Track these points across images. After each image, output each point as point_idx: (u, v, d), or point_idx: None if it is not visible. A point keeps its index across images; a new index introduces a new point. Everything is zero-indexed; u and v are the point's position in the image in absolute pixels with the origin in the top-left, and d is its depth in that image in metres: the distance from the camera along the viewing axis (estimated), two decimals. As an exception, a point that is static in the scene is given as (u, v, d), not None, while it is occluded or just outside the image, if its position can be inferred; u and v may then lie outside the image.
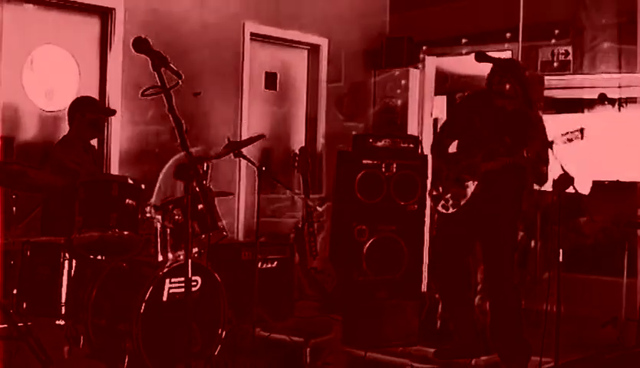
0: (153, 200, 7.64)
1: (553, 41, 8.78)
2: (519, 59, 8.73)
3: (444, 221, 6.40)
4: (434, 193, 6.34)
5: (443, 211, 6.23)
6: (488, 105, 6.17)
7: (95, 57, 7.68)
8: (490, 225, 6.14)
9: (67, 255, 5.61)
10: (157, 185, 7.76)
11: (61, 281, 5.59)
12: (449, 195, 6.18)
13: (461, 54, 9.27)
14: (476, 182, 6.08)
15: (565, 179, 5.36)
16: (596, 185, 7.56)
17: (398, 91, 9.51)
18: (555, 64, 8.72)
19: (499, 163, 6.01)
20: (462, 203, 6.11)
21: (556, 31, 8.77)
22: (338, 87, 9.57)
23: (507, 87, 6.01)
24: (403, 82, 9.48)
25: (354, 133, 9.22)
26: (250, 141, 7.44)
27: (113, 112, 7.18)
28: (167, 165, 7.83)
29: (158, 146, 7.86)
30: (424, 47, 9.62)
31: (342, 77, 9.59)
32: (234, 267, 6.93)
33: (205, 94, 8.01)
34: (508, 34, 9.02)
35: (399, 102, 9.50)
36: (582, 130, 5.82)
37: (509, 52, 8.73)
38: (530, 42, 8.86)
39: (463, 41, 9.39)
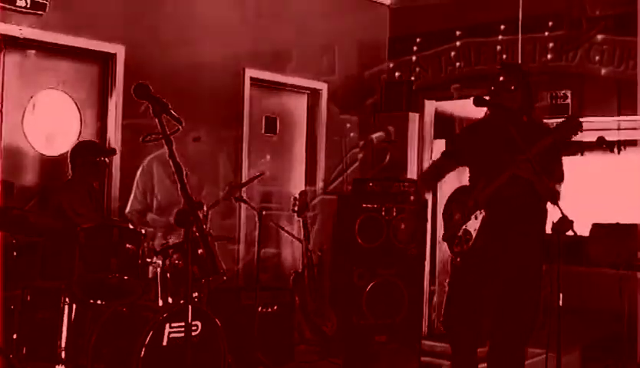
0: (128, 208, 7.62)
1: (547, 33, 8.78)
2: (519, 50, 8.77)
3: (459, 265, 5.89)
4: (446, 235, 5.89)
5: (457, 250, 5.88)
6: (492, 124, 5.82)
7: (96, 102, 7.71)
8: (509, 267, 5.59)
9: (67, 300, 5.61)
10: (133, 188, 7.71)
11: (60, 326, 5.59)
12: (460, 233, 5.74)
13: (459, 98, 9.32)
14: (482, 213, 5.61)
15: (565, 222, 5.32)
16: (596, 227, 7.56)
17: (397, 135, 9.53)
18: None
19: (498, 182, 5.52)
20: (473, 240, 5.62)
21: (550, 23, 8.77)
22: (338, 128, 9.60)
23: (511, 87, 5.70)
24: (402, 126, 9.50)
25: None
26: (249, 181, 7.50)
27: (114, 151, 7.20)
28: (144, 163, 7.77)
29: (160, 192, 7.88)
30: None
31: (342, 119, 9.63)
32: (234, 311, 6.92)
33: (205, 139, 8.04)
34: (502, 27, 9.06)
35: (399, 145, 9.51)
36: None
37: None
38: (524, 35, 8.88)
39: (457, 33, 9.43)
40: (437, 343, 7.14)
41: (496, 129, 5.67)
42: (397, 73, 9.74)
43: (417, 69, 9.77)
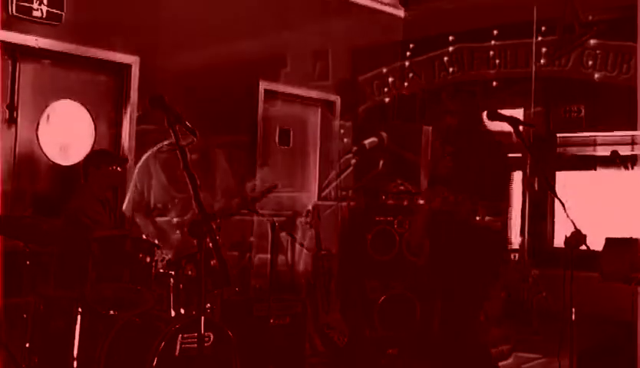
0: (125, 206, 7.61)
1: (540, 38, 8.78)
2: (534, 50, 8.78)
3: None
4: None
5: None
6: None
7: (110, 112, 7.74)
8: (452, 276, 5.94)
9: (80, 309, 5.61)
10: (131, 186, 7.69)
11: (73, 336, 5.58)
12: None
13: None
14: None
15: (578, 237, 5.31)
16: (609, 241, 7.54)
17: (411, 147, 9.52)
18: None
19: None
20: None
21: (543, 28, 8.78)
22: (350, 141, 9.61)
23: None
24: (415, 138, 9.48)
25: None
26: (263, 194, 7.48)
27: (126, 160, 7.21)
28: (142, 159, 7.74)
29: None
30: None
31: (354, 132, 9.63)
32: (246, 322, 6.91)
33: (219, 150, 8.07)
34: (495, 32, 9.08)
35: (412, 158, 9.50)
36: None
37: (521, 110, 8.75)
38: (516, 40, 8.90)
39: (450, 38, 9.45)
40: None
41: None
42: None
43: (411, 74, 9.78)
